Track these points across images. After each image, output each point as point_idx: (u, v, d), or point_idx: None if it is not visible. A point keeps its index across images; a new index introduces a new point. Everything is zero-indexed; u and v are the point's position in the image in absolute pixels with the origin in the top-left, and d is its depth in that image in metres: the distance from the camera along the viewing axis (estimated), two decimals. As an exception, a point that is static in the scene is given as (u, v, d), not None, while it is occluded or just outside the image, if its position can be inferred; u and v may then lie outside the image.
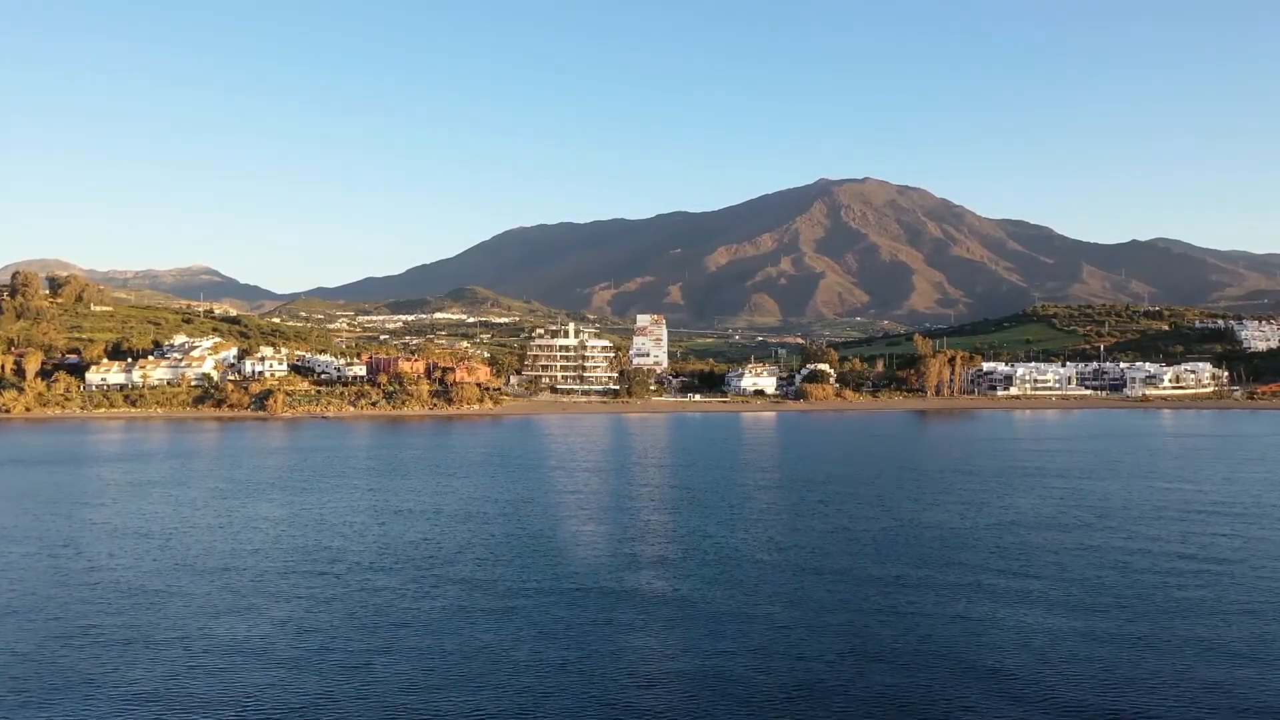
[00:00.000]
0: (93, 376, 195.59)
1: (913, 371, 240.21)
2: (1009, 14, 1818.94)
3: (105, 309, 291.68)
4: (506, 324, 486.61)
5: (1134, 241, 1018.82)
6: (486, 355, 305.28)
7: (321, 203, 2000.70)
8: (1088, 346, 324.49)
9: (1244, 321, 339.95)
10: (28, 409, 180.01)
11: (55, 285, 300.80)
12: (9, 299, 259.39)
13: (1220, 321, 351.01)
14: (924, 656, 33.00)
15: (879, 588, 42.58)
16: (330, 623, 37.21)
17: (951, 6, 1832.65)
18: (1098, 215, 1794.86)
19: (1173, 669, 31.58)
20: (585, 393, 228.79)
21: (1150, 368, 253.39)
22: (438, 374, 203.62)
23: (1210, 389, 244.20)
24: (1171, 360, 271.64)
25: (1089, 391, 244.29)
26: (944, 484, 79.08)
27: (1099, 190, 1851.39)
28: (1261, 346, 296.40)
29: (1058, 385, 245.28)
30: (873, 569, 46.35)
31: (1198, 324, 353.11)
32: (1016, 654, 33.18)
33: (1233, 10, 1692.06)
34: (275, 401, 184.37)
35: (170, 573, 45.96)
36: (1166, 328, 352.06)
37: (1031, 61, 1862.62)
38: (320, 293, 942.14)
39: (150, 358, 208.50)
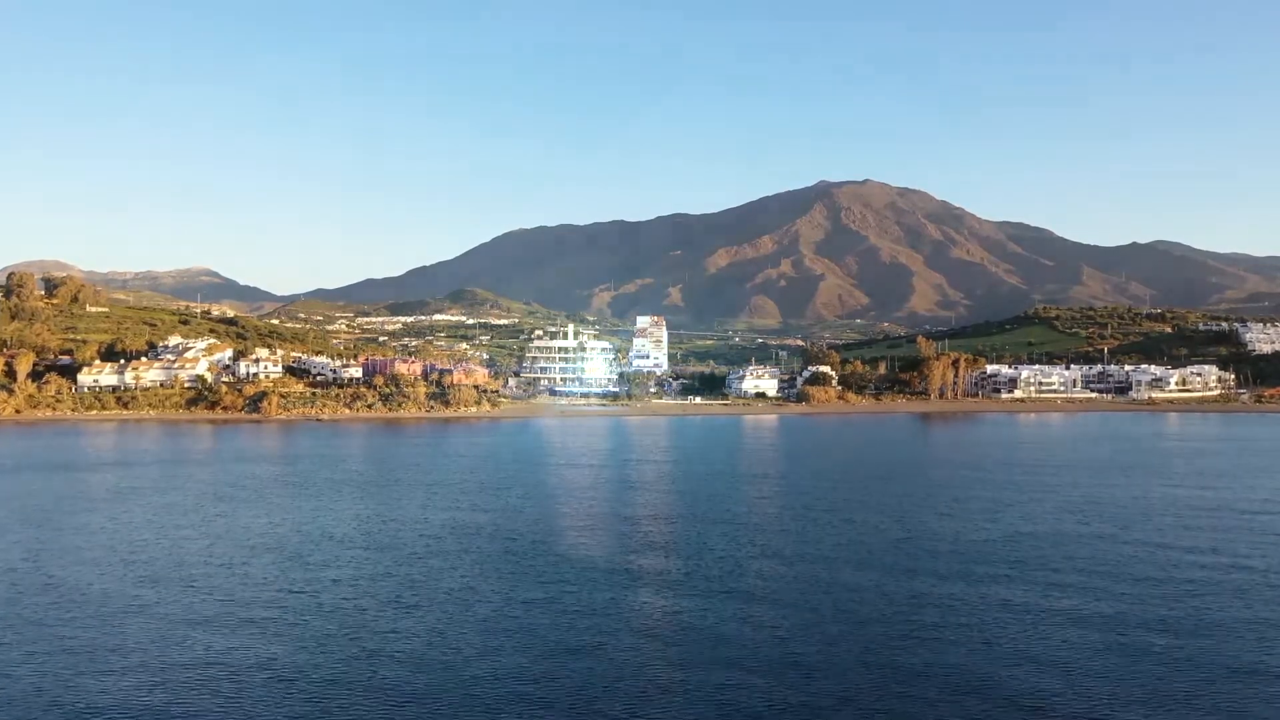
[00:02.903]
0: (85, 378, 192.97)
1: (916, 374, 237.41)
2: (1009, 15, 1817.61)
3: (101, 310, 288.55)
4: (506, 326, 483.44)
5: (1134, 244, 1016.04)
6: (485, 357, 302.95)
7: (322, 204, 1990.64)
8: (1090, 349, 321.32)
9: (1248, 324, 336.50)
10: (17, 411, 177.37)
11: (51, 286, 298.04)
12: (3, 300, 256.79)
13: (1224, 324, 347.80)
14: (945, 681, 30.25)
15: (895, 604, 39.84)
16: (295, 647, 34.45)
17: (951, 7, 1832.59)
18: (1097, 217, 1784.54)
19: (1215, 683, 28.90)
20: (584, 395, 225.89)
21: (1155, 370, 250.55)
22: (435, 376, 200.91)
23: (1217, 392, 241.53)
24: (1175, 363, 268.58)
25: (1094, 394, 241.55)
26: (955, 490, 76.33)
27: (1098, 192, 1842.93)
28: (1266, 349, 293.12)
29: (1062, 388, 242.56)
30: (888, 584, 43.58)
31: (1201, 326, 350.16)
32: (1048, 676, 30.47)
33: (1233, 11, 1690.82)
34: (269, 403, 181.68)
35: (133, 587, 43.16)
36: (1169, 330, 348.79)
37: (1031, 63, 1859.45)
38: (320, 294, 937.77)
39: (144, 359, 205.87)
